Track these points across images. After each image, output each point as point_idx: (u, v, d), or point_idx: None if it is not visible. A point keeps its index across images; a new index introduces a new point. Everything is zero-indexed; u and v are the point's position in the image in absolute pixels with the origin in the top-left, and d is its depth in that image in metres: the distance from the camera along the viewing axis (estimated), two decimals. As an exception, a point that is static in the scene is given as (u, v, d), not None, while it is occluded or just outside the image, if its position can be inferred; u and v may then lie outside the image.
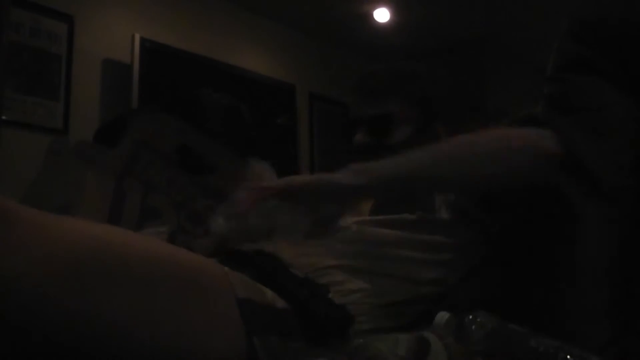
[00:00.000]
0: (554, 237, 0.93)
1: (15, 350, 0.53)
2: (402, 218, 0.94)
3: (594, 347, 0.82)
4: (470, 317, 0.66)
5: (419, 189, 0.90)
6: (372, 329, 0.82)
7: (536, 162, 0.86)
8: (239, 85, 3.50)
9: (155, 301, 0.60)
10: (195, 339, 0.62)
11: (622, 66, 0.97)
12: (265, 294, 0.73)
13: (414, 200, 0.98)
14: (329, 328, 0.76)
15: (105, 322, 0.56)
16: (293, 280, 0.81)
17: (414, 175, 0.84)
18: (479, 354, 0.63)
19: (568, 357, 0.58)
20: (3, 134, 2.41)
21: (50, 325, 0.53)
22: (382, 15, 3.73)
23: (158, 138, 1.01)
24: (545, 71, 1.06)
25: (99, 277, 0.56)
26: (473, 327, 0.65)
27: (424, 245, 0.92)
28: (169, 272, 0.63)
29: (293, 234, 0.84)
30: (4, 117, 2.51)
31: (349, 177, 0.80)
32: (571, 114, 0.99)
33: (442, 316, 0.69)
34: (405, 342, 0.64)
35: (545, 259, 0.94)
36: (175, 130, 1.05)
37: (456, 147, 0.88)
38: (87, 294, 0.55)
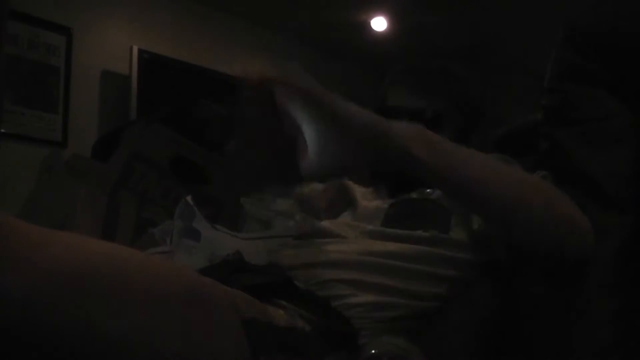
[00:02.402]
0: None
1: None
2: (415, 235, 0.92)
3: (597, 352, 0.82)
4: None
5: (459, 196, 0.84)
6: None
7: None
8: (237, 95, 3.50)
9: (157, 319, 0.59)
10: (200, 358, 0.61)
11: (619, 75, 0.97)
12: (268, 311, 0.72)
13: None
14: (335, 342, 0.76)
15: (107, 338, 0.56)
16: (297, 294, 0.80)
17: (466, 179, 0.78)
18: None
19: None
20: (2, 147, 2.41)
21: (52, 342, 0.53)
22: (379, 24, 3.74)
23: (152, 150, 1.00)
24: (544, 78, 1.05)
25: (101, 293, 0.56)
26: None
27: (430, 260, 0.89)
28: (172, 290, 0.62)
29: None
30: (2, 130, 2.52)
31: (417, 146, 0.75)
32: (571, 126, 0.99)
33: None
34: None
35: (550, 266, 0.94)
36: (169, 141, 1.05)
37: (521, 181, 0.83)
38: (90, 310, 0.55)
